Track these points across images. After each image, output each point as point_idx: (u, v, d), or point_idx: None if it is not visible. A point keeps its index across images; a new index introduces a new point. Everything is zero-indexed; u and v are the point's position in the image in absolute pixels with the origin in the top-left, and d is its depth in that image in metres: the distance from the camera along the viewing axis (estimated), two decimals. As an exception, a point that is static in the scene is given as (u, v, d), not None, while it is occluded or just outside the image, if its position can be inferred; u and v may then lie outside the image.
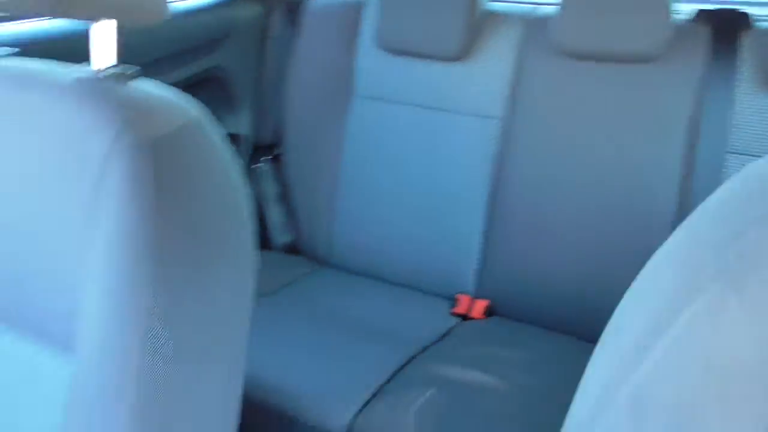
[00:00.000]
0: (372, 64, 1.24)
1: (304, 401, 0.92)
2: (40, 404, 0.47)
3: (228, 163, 0.50)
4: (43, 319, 0.47)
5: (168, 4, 0.57)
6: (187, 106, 0.49)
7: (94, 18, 0.48)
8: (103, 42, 0.49)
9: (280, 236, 1.35)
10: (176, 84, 1.12)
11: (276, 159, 1.35)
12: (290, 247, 1.34)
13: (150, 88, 0.49)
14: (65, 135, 0.45)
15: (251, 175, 1.37)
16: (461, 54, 1.15)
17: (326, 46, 1.27)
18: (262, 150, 1.37)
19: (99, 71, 0.48)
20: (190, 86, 1.22)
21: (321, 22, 1.28)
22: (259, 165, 1.36)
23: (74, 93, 0.46)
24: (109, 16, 0.48)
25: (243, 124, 1.35)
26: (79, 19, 0.47)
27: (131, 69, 0.49)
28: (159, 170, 0.43)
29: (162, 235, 0.43)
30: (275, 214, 1.36)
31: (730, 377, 0.27)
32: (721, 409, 0.26)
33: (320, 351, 1.01)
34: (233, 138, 1.33)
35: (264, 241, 1.36)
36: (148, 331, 0.42)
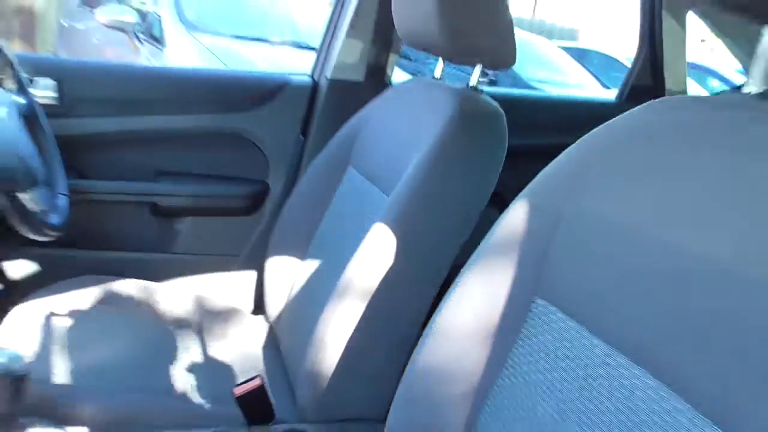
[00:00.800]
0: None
1: None
2: (369, 221, 0.99)
3: (498, 155, 0.94)
4: (376, 171, 1.01)
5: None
6: (497, 109, 0.96)
7: (472, 63, 1.00)
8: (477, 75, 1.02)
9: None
10: (547, 145, 1.60)
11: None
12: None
13: (484, 96, 0.98)
14: (459, 110, 0.95)
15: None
16: None
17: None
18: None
19: (469, 87, 1.01)
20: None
21: None
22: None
23: (446, 90, 1.00)
24: (477, 62, 1.00)
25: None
26: (455, 63, 1.01)
27: (480, 88, 1.00)
28: (459, 134, 0.92)
29: (436, 163, 0.91)
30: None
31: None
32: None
33: None
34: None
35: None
36: (417, 201, 0.91)
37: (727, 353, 0.43)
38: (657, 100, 0.58)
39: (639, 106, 0.58)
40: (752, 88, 0.52)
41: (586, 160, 0.59)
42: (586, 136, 0.62)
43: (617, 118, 0.60)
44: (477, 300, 0.63)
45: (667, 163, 0.53)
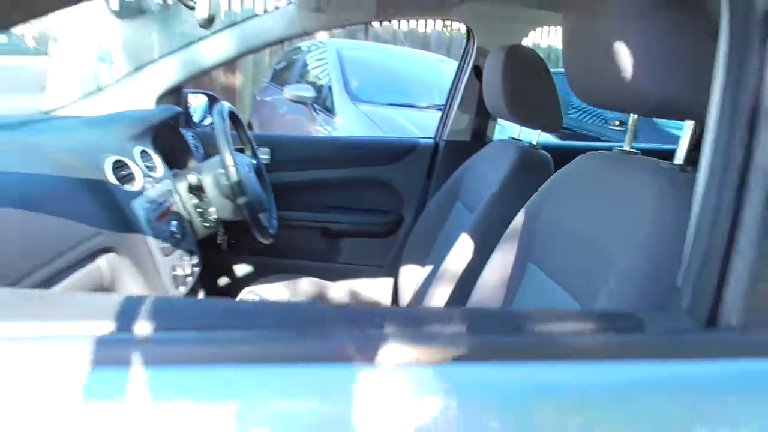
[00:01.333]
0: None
1: None
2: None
3: None
4: (470, 201, 1.54)
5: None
6: (547, 159, 1.46)
7: (534, 128, 1.52)
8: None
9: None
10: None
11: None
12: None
13: (539, 151, 1.49)
14: (518, 161, 1.50)
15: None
16: None
17: None
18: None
19: (530, 145, 1.52)
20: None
21: None
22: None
23: (515, 146, 1.52)
24: (538, 127, 1.51)
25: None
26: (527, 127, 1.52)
27: (538, 144, 1.51)
28: (516, 177, 1.43)
29: (500, 196, 1.43)
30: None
31: None
32: None
33: None
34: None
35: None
36: (487, 219, 1.43)
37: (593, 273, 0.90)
38: (588, 153, 1.06)
39: (578, 157, 1.07)
40: (626, 146, 0.99)
41: (548, 185, 1.09)
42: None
43: (571, 162, 1.09)
44: (499, 264, 1.14)
45: (573, 189, 1.01)
